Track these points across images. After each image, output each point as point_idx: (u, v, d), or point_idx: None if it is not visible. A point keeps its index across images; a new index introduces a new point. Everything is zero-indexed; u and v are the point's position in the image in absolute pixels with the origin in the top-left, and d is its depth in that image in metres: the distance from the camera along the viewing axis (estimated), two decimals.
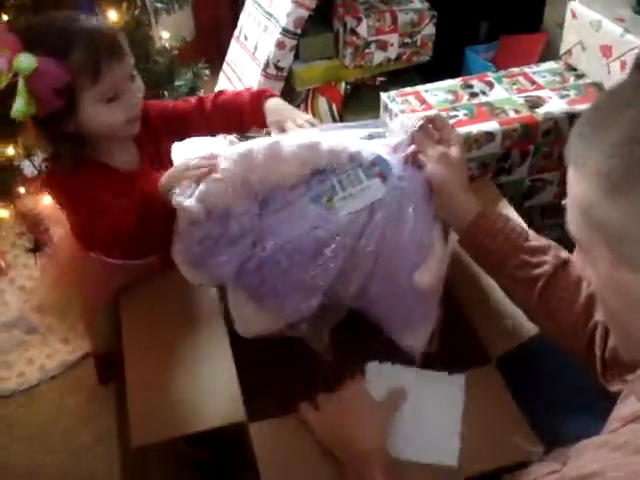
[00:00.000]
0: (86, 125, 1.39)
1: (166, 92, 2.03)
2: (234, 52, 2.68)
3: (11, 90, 1.28)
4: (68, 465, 1.85)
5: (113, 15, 1.85)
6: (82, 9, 1.75)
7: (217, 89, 2.72)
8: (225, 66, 2.72)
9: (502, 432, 1.20)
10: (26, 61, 1.27)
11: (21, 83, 1.26)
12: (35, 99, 1.28)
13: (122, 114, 1.41)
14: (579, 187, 0.80)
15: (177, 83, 2.07)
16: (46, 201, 1.88)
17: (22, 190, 1.82)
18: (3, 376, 2.02)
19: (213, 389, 1.30)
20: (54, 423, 1.93)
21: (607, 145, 0.76)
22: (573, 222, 0.83)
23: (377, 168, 1.22)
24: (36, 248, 1.85)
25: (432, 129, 1.27)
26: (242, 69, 2.59)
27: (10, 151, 1.77)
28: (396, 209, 1.21)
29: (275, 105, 1.47)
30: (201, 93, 2.20)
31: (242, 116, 1.51)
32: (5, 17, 1.74)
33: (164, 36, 2.24)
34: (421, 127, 1.25)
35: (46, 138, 1.44)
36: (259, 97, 1.49)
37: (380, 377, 1.26)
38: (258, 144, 1.22)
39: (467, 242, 1.24)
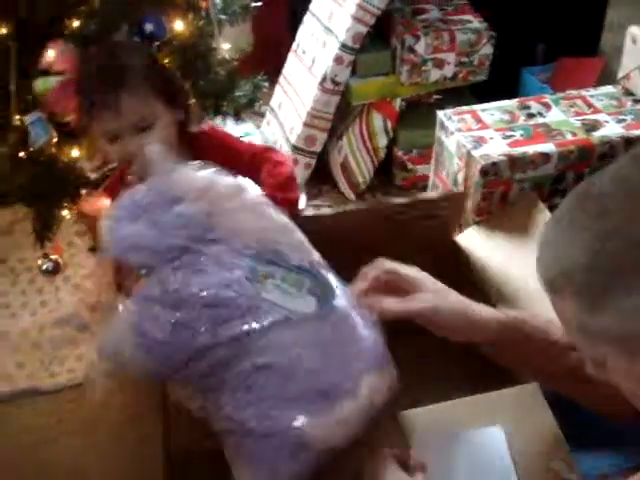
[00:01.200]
0: None
1: (225, 102, 2.08)
2: (291, 65, 2.72)
3: None
4: (113, 463, 1.87)
5: (179, 25, 1.90)
6: (147, 20, 1.82)
7: (272, 102, 2.77)
8: (281, 79, 2.76)
9: (541, 456, 1.18)
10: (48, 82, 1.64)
11: None
12: None
13: (121, 155, 1.47)
14: (565, 311, 0.82)
15: (237, 94, 2.11)
16: (107, 203, 1.94)
17: (84, 191, 1.88)
18: (54, 371, 2.07)
19: None
20: (101, 420, 1.97)
21: (578, 264, 0.77)
22: (574, 339, 0.85)
23: (323, 292, 1.11)
24: (95, 248, 1.90)
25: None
26: (298, 82, 2.63)
27: (75, 153, 1.83)
28: (310, 340, 1.07)
29: None
30: (259, 104, 2.25)
31: None
32: (76, 23, 1.80)
33: (224, 47, 2.28)
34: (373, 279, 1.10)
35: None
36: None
37: (429, 447, 1.17)
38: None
39: (500, 354, 1.12)
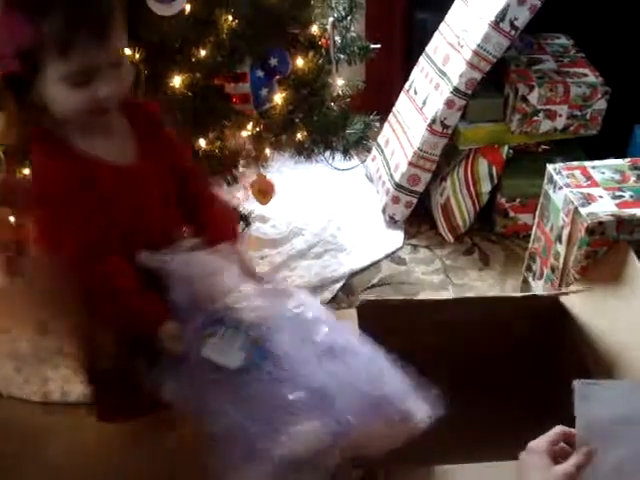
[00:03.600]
0: (48, 101, 1.21)
1: (336, 138, 2.14)
2: (402, 104, 2.75)
3: None
4: None
5: (300, 62, 1.97)
6: (272, 54, 1.89)
7: (380, 138, 2.81)
8: (391, 117, 2.80)
9: None
10: None
11: None
12: None
13: (86, 103, 1.20)
14: None
15: (347, 131, 2.17)
16: None
17: None
18: None
19: None
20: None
21: None
22: None
23: (256, 350, 1.25)
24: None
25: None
26: (408, 122, 2.66)
27: None
28: (233, 393, 1.23)
29: None
30: (367, 142, 2.30)
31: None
32: (203, 52, 1.88)
33: (338, 84, 2.34)
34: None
35: (11, 100, 1.23)
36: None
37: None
38: None
39: None
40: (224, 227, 1.41)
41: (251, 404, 1.21)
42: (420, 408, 1.23)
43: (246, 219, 2.13)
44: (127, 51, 1.33)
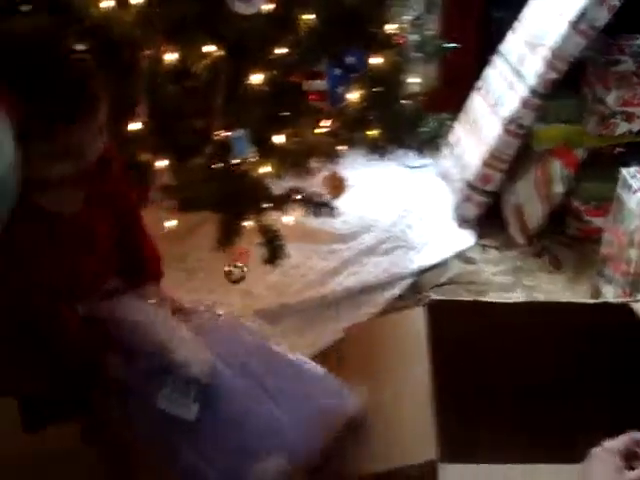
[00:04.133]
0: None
1: (410, 136, 2.15)
2: (474, 103, 2.74)
3: None
4: None
5: (375, 60, 1.99)
6: (349, 53, 1.92)
7: (452, 136, 2.80)
8: (462, 115, 2.78)
9: None
10: None
11: None
12: None
13: (71, 169, 1.26)
14: None
15: (421, 129, 2.18)
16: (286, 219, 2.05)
17: (266, 206, 1.99)
18: None
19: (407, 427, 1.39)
20: None
21: None
22: None
23: (208, 398, 1.34)
24: (270, 260, 2.01)
25: None
26: (480, 121, 2.64)
27: (264, 169, 1.95)
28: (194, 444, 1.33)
29: None
30: (441, 142, 2.30)
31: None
32: (279, 50, 1.92)
33: (413, 81, 2.35)
34: None
35: None
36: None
37: None
38: None
39: None
40: (151, 267, 1.56)
41: (211, 448, 1.32)
42: (346, 394, 1.41)
43: (331, 208, 2.14)
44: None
